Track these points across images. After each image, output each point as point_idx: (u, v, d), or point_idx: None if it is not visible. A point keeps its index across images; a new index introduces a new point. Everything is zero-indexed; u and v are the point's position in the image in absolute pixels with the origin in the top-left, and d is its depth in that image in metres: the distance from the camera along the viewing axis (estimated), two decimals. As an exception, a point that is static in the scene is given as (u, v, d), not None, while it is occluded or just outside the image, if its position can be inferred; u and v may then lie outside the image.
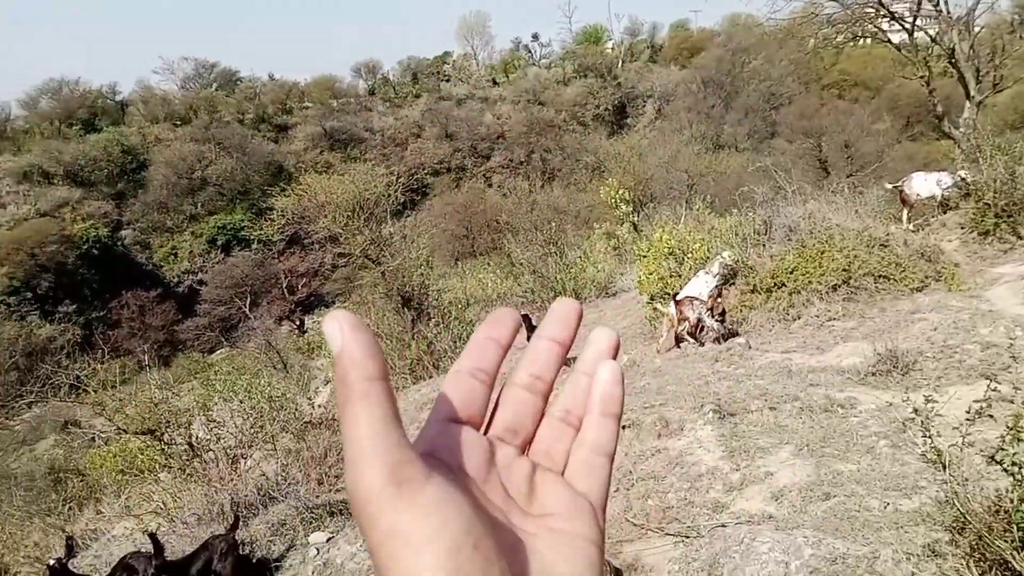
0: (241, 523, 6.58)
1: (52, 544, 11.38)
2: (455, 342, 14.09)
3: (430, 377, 13.11)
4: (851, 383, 7.66)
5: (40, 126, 50.72)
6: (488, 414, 0.59)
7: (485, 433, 0.58)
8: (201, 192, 47.19)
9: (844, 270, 10.23)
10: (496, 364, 0.59)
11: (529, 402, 0.60)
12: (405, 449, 0.45)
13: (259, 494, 7.14)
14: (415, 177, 48.66)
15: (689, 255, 12.11)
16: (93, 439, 21.24)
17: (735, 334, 10.27)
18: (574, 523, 0.55)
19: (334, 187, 16.23)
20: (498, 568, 0.45)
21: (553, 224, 19.39)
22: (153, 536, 6.76)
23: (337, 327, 0.48)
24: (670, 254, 12.41)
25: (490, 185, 51.20)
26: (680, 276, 11.73)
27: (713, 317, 10.21)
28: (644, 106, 59.10)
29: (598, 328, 0.65)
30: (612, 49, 65.76)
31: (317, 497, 6.97)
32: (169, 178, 46.75)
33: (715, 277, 10.89)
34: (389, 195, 16.58)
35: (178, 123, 53.21)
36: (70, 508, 13.69)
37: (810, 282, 10.28)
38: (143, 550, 7.31)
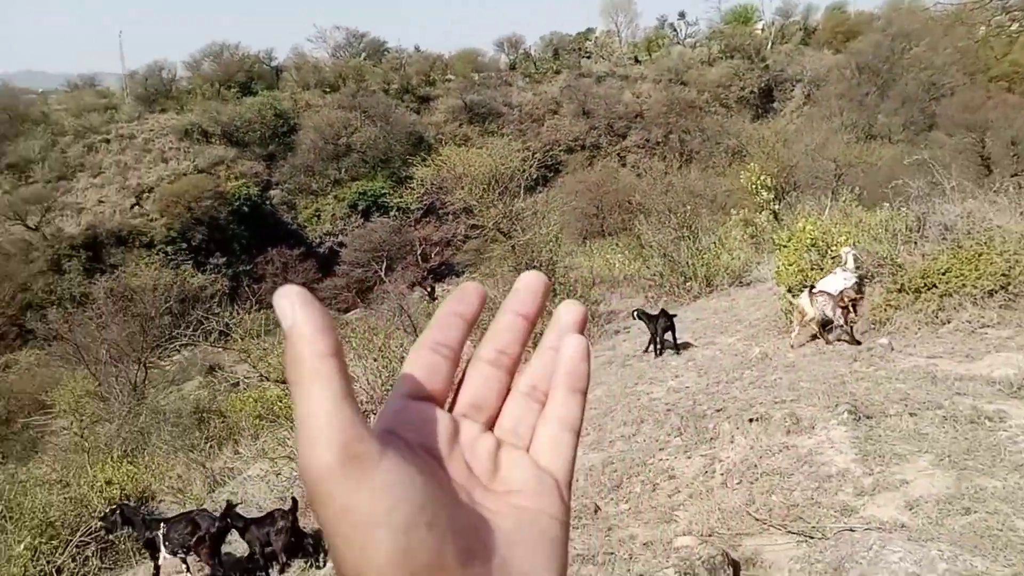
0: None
1: (193, 477, 12.29)
2: (579, 320, 14.11)
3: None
4: (1002, 395, 7.16)
5: (201, 87, 54.05)
6: (453, 390, 0.58)
7: (450, 410, 0.57)
8: (345, 158, 49.07)
9: (1003, 275, 9.52)
10: (460, 339, 0.57)
11: (494, 377, 0.59)
12: (358, 427, 0.45)
13: (386, 450, 7.44)
14: (550, 153, 48.78)
15: (833, 248, 11.60)
16: (236, 384, 22.70)
17: (856, 341, 9.76)
18: (539, 500, 0.54)
19: (472, 160, 16.52)
20: (453, 547, 0.45)
21: (688, 207, 18.96)
22: (231, 505, 7.20)
23: (288, 303, 0.48)
24: (812, 245, 11.92)
25: (624, 165, 50.66)
26: (822, 269, 11.26)
27: (838, 314, 9.71)
28: (792, 90, 56.75)
29: (565, 301, 0.63)
30: (762, 30, 63.30)
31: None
32: (316, 143, 48.85)
33: (853, 273, 10.37)
34: (524, 170, 16.72)
35: (327, 90, 55.40)
36: (211, 446, 14.71)
37: (964, 285, 9.62)
38: (209, 510, 7.85)
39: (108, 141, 48.63)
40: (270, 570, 7.11)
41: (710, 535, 5.45)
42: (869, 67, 49.35)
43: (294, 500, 6.93)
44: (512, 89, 58.14)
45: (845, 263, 10.63)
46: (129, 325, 23.55)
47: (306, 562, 7.04)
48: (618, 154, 52.97)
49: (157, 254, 39.74)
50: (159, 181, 44.86)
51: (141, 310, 24.61)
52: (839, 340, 9.90)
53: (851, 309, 9.87)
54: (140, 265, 35.21)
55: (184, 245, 41.58)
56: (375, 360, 8.58)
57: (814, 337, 10.19)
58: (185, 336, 21.56)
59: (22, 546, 6.62)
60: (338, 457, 0.42)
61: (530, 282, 0.61)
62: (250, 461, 11.95)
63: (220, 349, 20.27)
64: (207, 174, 45.38)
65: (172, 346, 23.78)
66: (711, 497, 6.03)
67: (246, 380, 20.05)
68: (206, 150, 47.77)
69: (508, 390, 0.60)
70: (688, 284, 16.70)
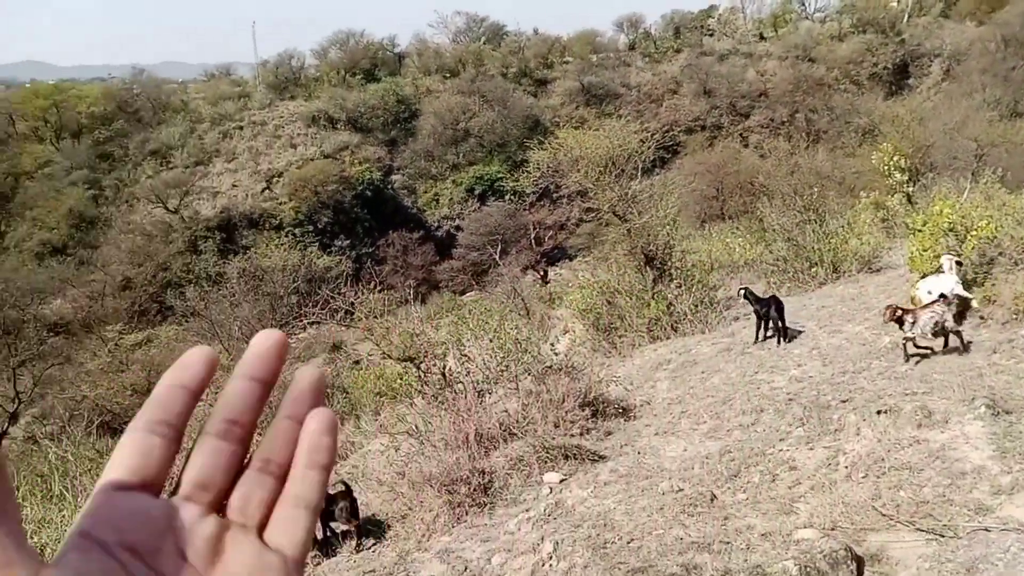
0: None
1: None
2: (696, 306, 13.83)
3: (667, 338, 13.01)
4: None
5: (328, 75, 55.94)
6: (177, 471, 0.54)
7: (174, 493, 0.53)
8: (463, 143, 49.76)
9: None
10: (183, 414, 0.53)
11: (224, 452, 0.54)
12: (8, 551, 0.41)
13: (500, 428, 7.57)
14: (668, 134, 47.83)
15: (973, 233, 10.87)
16: (357, 361, 23.54)
17: (966, 346, 8.99)
18: None
19: (588, 142, 16.38)
20: None
21: (814, 190, 18.20)
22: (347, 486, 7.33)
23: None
24: (950, 230, 11.21)
25: (746, 145, 49.08)
26: (960, 255, 10.57)
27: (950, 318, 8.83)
28: (930, 66, 53.33)
29: (303, 367, 0.59)
30: (897, 2, 59.71)
31: (553, 439, 7.26)
32: (436, 128, 49.76)
33: (956, 280, 9.58)
34: (641, 152, 16.44)
35: (447, 75, 56.24)
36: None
37: (1123, 273, 8.86)
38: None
39: (241, 128, 51.13)
40: (339, 547, 7.21)
41: (832, 529, 5.27)
42: (1016, 39, 45.77)
43: (345, 483, 6.97)
44: (630, 70, 57.27)
45: (947, 270, 9.87)
46: (259, 303, 24.83)
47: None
48: (740, 134, 51.37)
49: (286, 236, 41.52)
50: (288, 166, 46.83)
51: (270, 289, 25.86)
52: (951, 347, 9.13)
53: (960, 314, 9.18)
54: (270, 247, 36.90)
55: (311, 228, 43.29)
56: (490, 341, 8.73)
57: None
58: (311, 315, 22.51)
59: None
60: None
61: (264, 343, 0.57)
62: (371, 436, 12.39)
63: (344, 328, 21.06)
64: (332, 159, 47.01)
65: (299, 324, 24.90)
66: (834, 490, 5.82)
67: (368, 358, 20.80)
68: (332, 136, 49.46)
69: (242, 464, 0.55)
70: (813, 270, 16.07)
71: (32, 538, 6.24)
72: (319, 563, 6.69)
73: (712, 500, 5.97)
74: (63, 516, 7.05)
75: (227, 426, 0.54)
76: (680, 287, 14.11)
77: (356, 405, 16.11)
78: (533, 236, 39.47)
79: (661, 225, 15.17)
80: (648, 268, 14.54)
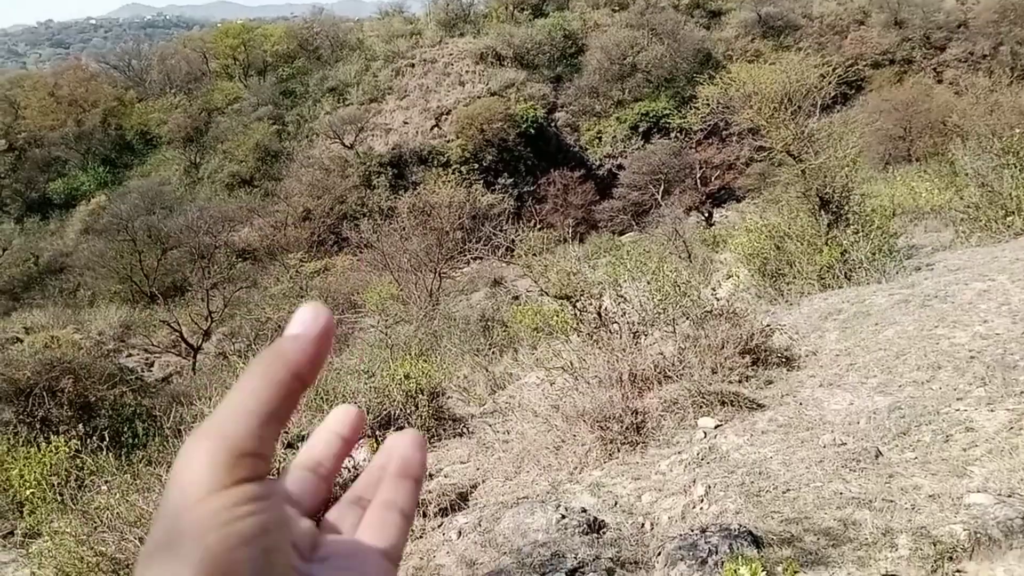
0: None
1: (477, 379, 13.33)
2: (873, 253, 13.01)
3: (839, 287, 12.35)
4: None
5: (496, 11, 56.06)
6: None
7: None
8: (629, 78, 48.64)
9: None
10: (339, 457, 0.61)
11: (311, 480, 0.59)
12: (265, 444, 0.46)
13: (655, 370, 7.54)
14: (852, 69, 44.53)
15: None
16: (516, 297, 24.05)
17: None
18: (362, 568, 0.55)
19: (763, 77, 15.57)
20: None
21: (1017, 131, 16.48)
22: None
23: (311, 317, 0.50)
24: None
25: (940, 81, 45.01)
26: None
27: None
28: None
29: (400, 434, 0.62)
30: None
31: (710, 384, 7.15)
32: (602, 63, 48.87)
33: None
34: (821, 88, 15.45)
35: (616, 8, 54.87)
36: (493, 352, 15.83)
37: None
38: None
39: (412, 66, 52.44)
40: None
41: (1010, 495, 4.92)
42: None
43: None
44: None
45: None
46: (427, 238, 25.77)
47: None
48: (934, 69, 47.06)
49: (452, 173, 42.55)
50: (456, 104, 47.70)
51: (437, 224, 26.74)
52: None
53: None
54: (437, 183, 37.98)
55: (476, 165, 44.11)
56: (648, 283, 8.64)
57: None
58: (475, 250, 23.18)
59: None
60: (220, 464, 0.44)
61: (345, 414, 0.63)
62: (527, 369, 12.70)
63: (505, 264, 21.55)
64: (499, 96, 47.38)
65: (463, 259, 25.74)
66: (1015, 455, 5.40)
67: (527, 293, 21.23)
68: (499, 73, 49.77)
69: (327, 497, 0.61)
70: (1009, 219, 14.66)
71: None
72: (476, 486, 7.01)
73: (877, 457, 5.71)
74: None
75: (315, 464, 0.61)
76: (857, 233, 13.30)
77: (514, 339, 16.52)
78: (699, 176, 38.29)
79: (839, 166, 14.28)
80: (823, 212, 13.80)
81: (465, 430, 10.13)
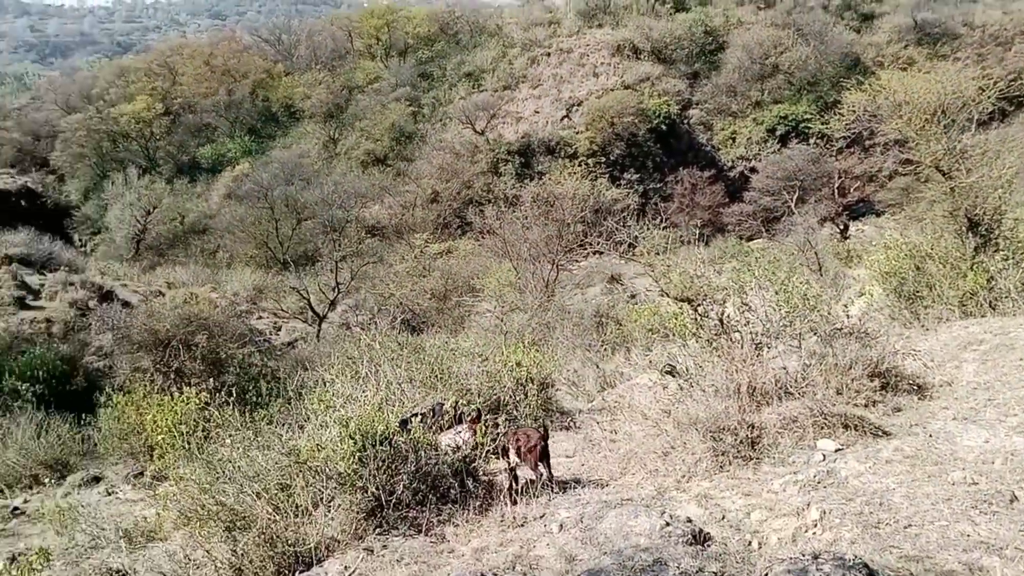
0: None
1: (587, 375, 13.30)
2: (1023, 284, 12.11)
3: (983, 316, 11.56)
4: None
5: (637, 3, 55.37)
6: None
7: None
8: (770, 79, 47.08)
9: None
10: None
11: None
12: None
13: (776, 385, 7.28)
14: (1015, 83, 41.49)
15: None
16: (633, 296, 23.82)
17: None
18: None
19: (915, 86, 14.72)
20: None
21: None
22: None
23: None
24: None
25: (1119, 101, 41.25)
26: None
27: None
28: None
29: None
30: None
31: (834, 405, 6.85)
32: (743, 62, 47.51)
33: None
34: (979, 101, 14.46)
35: (761, 6, 53.21)
36: (604, 349, 15.74)
37: None
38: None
39: (548, 55, 52.58)
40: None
41: None
42: None
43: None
44: (976, 7, 50.11)
45: None
46: (548, 228, 25.85)
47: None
48: (1111, 87, 43.23)
49: (579, 165, 42.48)
50: (588, 95, 47.51)
51: (559, 216, 26.77)
52: None
53: None
54: (563, 174, 38.04)
55: (603, 159, 43.85)
56: (775, 293, 8.34)
57: None
58: (595, 244, 23.08)
59: (448, 404, 7.83)
60: None
61: None
62: (639, 370, 12.54)
63: (624, 261, 21.34)
64: (632, 90, 46.86)
65: (582, 252, 25.68)
66: None
67: (646, 293, 20.96)
68: (634, 66, 49.20)
69: None
70: None
71: (340, 410, 7.18)
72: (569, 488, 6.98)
73: (1012, 501, 5.32)
74: (365, 395, 7.99)
75: None
76: (1007, 260, 12.40)
77: (627, 338, 16.37)
78: (837, 186, 36.60)
79: (993, 187, 13.34)
80: (970, 235, 12.94)
81: (572, 424, 10.12)
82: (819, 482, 5.82)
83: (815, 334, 8.14)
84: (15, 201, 43.94)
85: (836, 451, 6.33)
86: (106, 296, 24.75)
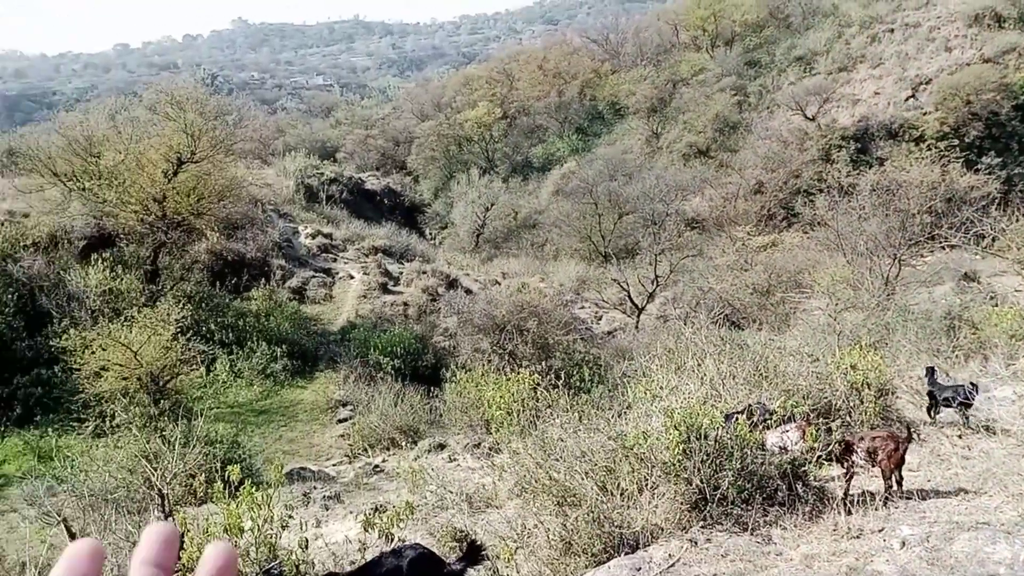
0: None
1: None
2: None
3: None
4: None
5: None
6: None
7: None
8: None
9: None
10: None
11: None
12: None
13: None
14: None
15: None
16: (992, 296, 20.96)
17: None
18: None
19: None
20: None
21: None
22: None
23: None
24: None
25: None
26: None
27: None
28: None
29: (213, 543, 0.65)
30: None
31: None
32: None
33: None
34: None
35: None
36: (956, 355, 14.05)
37: None
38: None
39: (892, 31, 47.99)
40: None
41: None
42: None
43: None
44: None
45: None
46: (888, 219, 23.69)
47: None
48: None
49: (927, 150, 38.34)
50: (938, 72, 42.59)
51: (903, 206, 24.44)
52: None
53: None
54: (908, 160, 34.61)
55: (956, 141, 39.07)
56: None
57: None
58: (945, 237, 20.68)
59: (776, 404, 7.56)
60: None
61: (158, 532, 0.64)
62: (997, 381, 11.10)
63: (982, 256, 18.87)
64: (993, 64, 41.11)
65: (929, 246, 23.16)
66: None
67: (1015, 293, 18.19)
68: (996, 36, 43.05)
69: None
70: None
71: (663, 401, 7.27)
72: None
73: None
74: (688, 387, 8.02)
75: None
76: None
77: (985, 344, 14.46)
78: None
79: None
80: None
81: (916, 436, 9.25)
82: None
83: None
84: (380, 199, 50.67)
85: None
86: (452, 283, 27.76)
